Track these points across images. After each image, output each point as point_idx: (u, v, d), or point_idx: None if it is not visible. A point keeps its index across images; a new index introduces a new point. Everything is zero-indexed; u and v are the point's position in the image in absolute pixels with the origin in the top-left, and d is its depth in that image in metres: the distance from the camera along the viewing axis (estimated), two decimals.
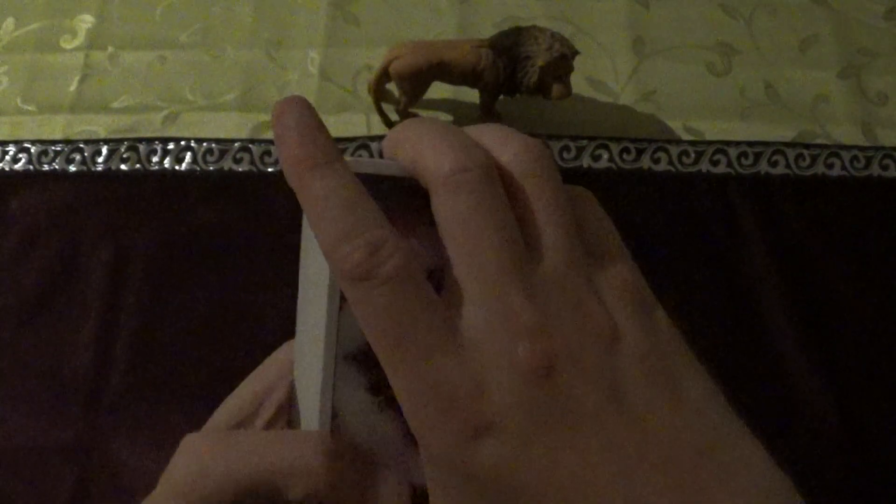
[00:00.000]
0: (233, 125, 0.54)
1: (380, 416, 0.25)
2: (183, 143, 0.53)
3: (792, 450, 0.44)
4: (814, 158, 0.52)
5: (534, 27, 0.48)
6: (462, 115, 0.54)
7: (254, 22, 0.58)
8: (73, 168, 0.52)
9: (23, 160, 0.53)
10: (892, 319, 0.47)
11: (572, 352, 0.18)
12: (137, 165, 0.52)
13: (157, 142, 0.53)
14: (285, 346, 0.28)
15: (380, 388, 0.25)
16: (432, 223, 0.22)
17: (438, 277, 0.23)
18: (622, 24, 0.57)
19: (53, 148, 0.53)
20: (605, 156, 0.52)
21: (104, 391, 0.45)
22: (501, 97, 0.50)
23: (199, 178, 0.52)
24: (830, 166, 0.52)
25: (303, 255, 0.26)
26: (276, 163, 0.51)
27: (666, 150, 0.52)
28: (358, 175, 0.22)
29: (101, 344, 0.46)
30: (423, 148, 0.20)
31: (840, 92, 0.55)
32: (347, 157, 0.22)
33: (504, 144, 0.20)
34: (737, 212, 0.50)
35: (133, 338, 0.47)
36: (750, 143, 0.53)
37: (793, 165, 0.52)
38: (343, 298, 0.23)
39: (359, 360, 0.25)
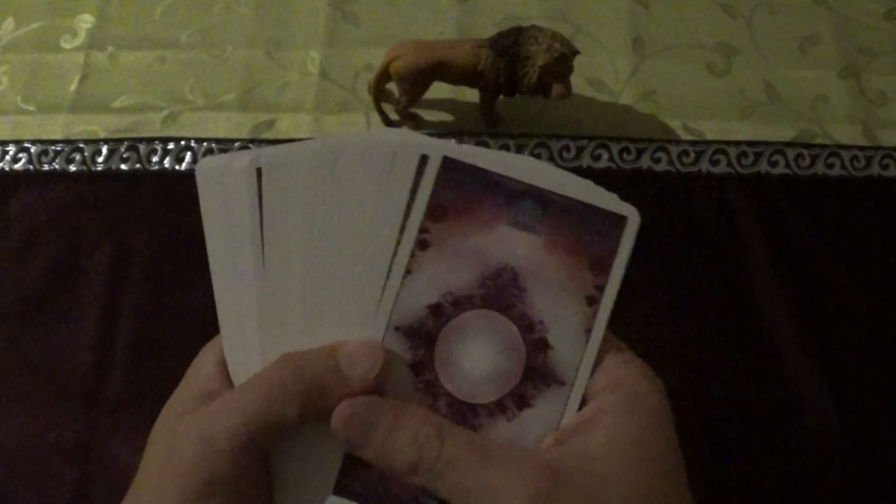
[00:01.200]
0: (233, 125, 0.54)
1: (414, 396, 0.25)
2: (183, 143, 0.53)
3: (792, 450, 0.44)
4: (814, 158, 0.52)
5: (534, 27, 0.48)
6: (462, 115, 0.54)
7: (254, 22, 0.58)
8: (73, 168, 0.52)
9: (23, 160, 0.53)
10: (892, 319, 0.47)
11: None
12: (137, 165, 0.52)
13: (157, 142, 0.53)
14: (213, 343, 0.28)
15: (423, 369, 0.25)
16: (512, 224, 0.24)
17: (506, 276, 0.24)
18: (622, 24, 0.57)
19: (53, 148, 0.53)
20: (605, 156, 0.52)
21: (104, 391, 0.45)
22: (501, 97, 0.50)
23: None
24: (830, 166, 0.52)
25: (277, 237, 0.26)
26: None
27: (666, 150, 0.52)
28: (450, 161, 0.24)
29: (101, 344, 0.46)
30: None
31: (840, 92, 0.55)
32: (443, 142, 0.23)
33: None
34: (737, 212, 0.50)
35: (133, 338, 0.47)
36: (750, 143, 0.53)
37: (793, 165, 0.52)
38: (408, 271, 0.24)
39: (407, 335, 0.25)
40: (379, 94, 0.51)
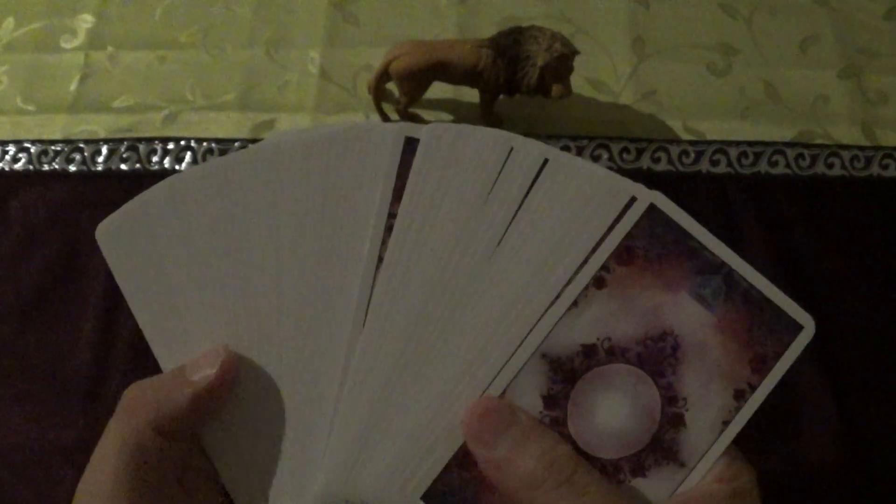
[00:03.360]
0: (233, 125, 0.54)
1: None
2: (183, 142, 0.53)
3: (792, 450, 0.44)
4: (814, 158, 0.52)
5: (534, 27, 0.48)
6: (462, 115, 0.54)
7: (254, 22, 0.58)
8: (73, 168, 0.52)
9: (23, 160, 0.53)
10: (893, 319, 0.47)
11: None
12: (137, 165, 0.52)
13: (157, 142, 0.53)
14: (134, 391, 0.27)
15: (556, 403, 0.24)
16: (693, 294, 0.24)
17: (668, 343, 0.24)
18: (622, 24, 0.57)
19: (53, 148, 0.53)
20: (605, 156, 0.52)
21: (104, 391, 0.45)
22: (501, 97, 0.50)
23: None
24: (830, 166, 0.52)
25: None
26: None
27: (666, 150, 0.52)
28: (655, 210, 0.23)
29: (101, 344, 0.46)
30: None
31: (840, 92, 0.55)
32: (655, 193, 0.23)
33: None
34: (737, 212, 0.50)
35: (133, 338, 0.47)
36: (750, 143, 0.53)
37: (793, 165, 0.52)
38: (576, 303, 0.24)
39: (552, 366, 0.24)
40: (379, 94, 0.51)
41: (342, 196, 0.25)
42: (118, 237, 0.26)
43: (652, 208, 0.24)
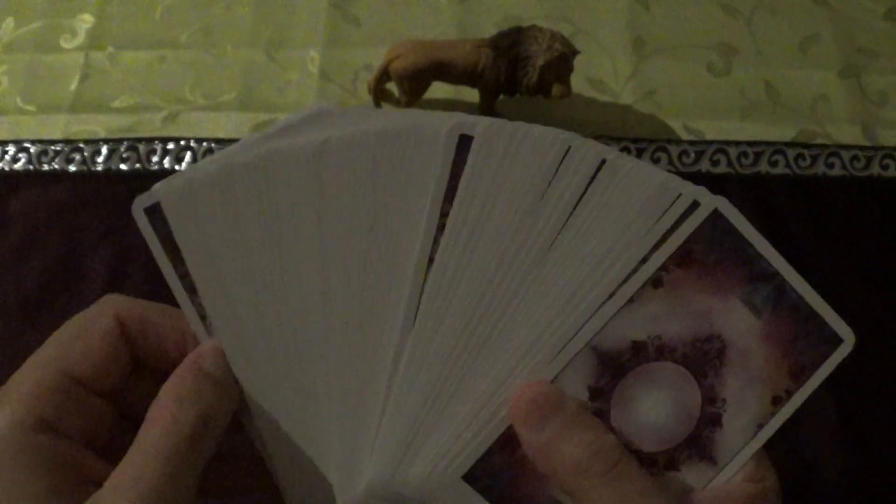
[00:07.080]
0: (232, 125, 0.54)
1: None
2: (183, 142, 0.53)
3: (792, 449, 0.44)
4: (814, 158, 0.52)
5: (534, 27, 0.48)
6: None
7: (254, 22, 0.58)
8: (73, 168, 0.52)
9: (22, 160, 0.53)
10: (893, 319, 0.47)
11: None
12: (137, 165, 0.52)
13: (157, 141, 0.53)
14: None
15: (601, 394, 0.25)
16: (743, 300, 0.24)
17: (714, 346, 0.24)
18: (622, 24, 0.57)
19: (53, 148, 0.53)
20: None
21: None
22: (501, 97, 0.50)
23: None
24: (830, 166, 0.52)
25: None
26: None
27: (666, 150, 0.52)
28: (717, 216, 0.24)
29: None
30: None
31: (840, 92, 0.55)
32: (719, 198, 0.24)
33: None
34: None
35: None
36: (750, 143, 0.53)
37: (793, 165, 0.52)
38: (632, 300, 0.24)
39: (601, 359, 0.24)
40: (379, 94, 0.51)
41: (393, 195, 0.25)
42: (167, 209, 0.26)
43: (715, 213, 0.25)
